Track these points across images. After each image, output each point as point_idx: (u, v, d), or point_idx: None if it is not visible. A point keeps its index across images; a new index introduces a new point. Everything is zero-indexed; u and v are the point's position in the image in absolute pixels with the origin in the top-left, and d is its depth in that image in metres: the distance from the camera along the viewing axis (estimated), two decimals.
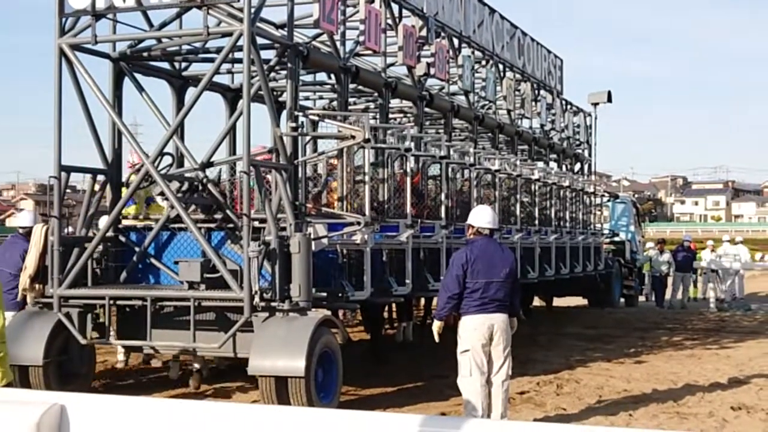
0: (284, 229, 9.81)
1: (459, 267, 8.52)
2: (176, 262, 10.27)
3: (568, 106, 20.60)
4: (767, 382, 11.82)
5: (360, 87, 12.88)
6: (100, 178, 11.10)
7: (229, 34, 9.85)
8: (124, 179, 11.19)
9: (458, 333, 8.64)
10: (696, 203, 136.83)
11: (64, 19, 10.37)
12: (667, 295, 25.19)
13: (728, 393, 11.02)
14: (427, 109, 14.05)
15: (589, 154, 22.78)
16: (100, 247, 10.60)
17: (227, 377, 11.56)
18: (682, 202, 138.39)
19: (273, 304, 9.47)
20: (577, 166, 22.01)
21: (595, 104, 23.55)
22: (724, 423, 9.42)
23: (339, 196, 11.05)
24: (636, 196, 58.57)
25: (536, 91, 18.34)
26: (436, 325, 8.73)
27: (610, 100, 23.89)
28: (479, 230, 8.76)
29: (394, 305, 14.87)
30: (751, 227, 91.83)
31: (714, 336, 17.22)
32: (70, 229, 11.71)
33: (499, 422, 7.99)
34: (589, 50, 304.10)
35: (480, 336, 8.48)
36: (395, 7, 12.71)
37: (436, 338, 8.76)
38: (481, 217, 8.84)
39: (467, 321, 8.54)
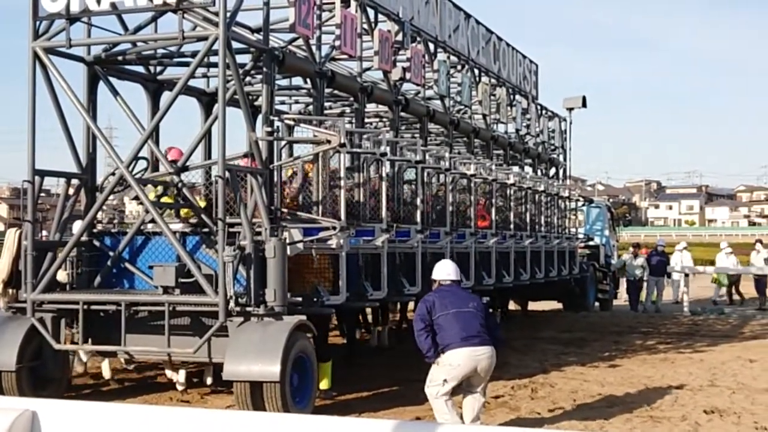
0: (259, 233, 9.79)
1: (426, 305, 8.68)
2: (151, 267, 10.23)
3: (543, 111, 20.68)
4: (740, 385, 11.91)
5: (336, 91, 12.88)
6: (75, 182, 11.04)
7: (205, 38, 9.84)
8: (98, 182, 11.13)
9: (439, 361, 8.58)
10: (670, 208, 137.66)
11: (38, 23, 10.32)
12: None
13: (701, 396, 11.09)
14: (402, 114, 14.06)
15: (564, 159, 22.88)
16: (74, 252, 10.55)
17: (202, 382, 11.52)
18: (657, 207, 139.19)
19: (248, 308, 9.45)
20: (552, 171, 22.10)
21: (570, 109, 23.65)
22: (697, 426, 9.49)
23: (292, 196, 11.05)
24: (611, 200, 58.81)
25: (511, 96, 18.39)
26: (434, 364, 8.70)
27: (585, 105, 24.00)
28: (441, 283, 9.03)
29: (369, 310, 14.87)
30: (725, 231, 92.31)
31: (687, 340, 17.33)
32: (44, 233, 11.65)
33: (474, 426, 8.03)
34: (565, 55, 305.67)
35: (463, 370, 8.50)
36: (371, 12, 12.73)
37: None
38: (443, 269, 9.12)
39: (452, 355, 8.49)
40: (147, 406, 8.97)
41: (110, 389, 11.64)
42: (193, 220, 10.69)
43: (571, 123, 23.27)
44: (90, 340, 10.37)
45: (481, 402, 8.73)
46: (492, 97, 17.22)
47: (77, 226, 10.89)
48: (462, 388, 8.68)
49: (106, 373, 11.83)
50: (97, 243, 10.88)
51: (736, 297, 26.72)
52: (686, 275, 24.80)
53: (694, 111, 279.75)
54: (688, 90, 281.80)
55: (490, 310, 9.95)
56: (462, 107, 16.53)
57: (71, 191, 11.05)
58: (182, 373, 11.11)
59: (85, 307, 10.11)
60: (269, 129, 10.36)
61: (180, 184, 10.53)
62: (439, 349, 8.55)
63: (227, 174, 9.68)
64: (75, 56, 10.89)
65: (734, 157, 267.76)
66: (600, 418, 9.82)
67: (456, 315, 8.56)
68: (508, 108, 17.95)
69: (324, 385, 10.72)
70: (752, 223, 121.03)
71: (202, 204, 10.71)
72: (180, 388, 11.05)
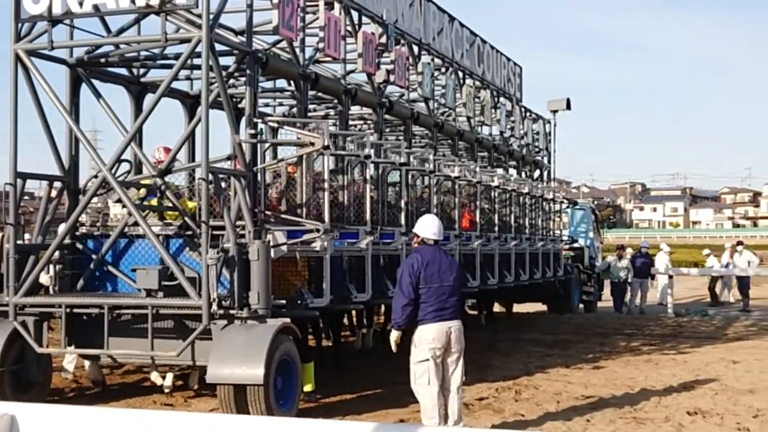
0: (243, 236, 9.77)
1: (411, 274, 8.54)
2: (134, 270, 10.20)
3: (528, 114, 20.71)
4: (723, 387, 11.96)
5: (320, 94, 12.88)
6: (58, 184, 11.00)
7: (188, 41, 9.80)
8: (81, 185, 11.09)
9: (414, 342, 8.63)
10: (654, 210, 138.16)
11: (20, 25, 10.27)
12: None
13: (684, 398, 11.13)
14: (387, 116, 14.07)
15: (549, 161, 22.92)
16: (57, 255, 10.51)
17: (185, 385, 11.51)
18: (641, 209, 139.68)
19: (232, 311, 9.43)
20: (537, 173, 22.14)
21: (554, 111, 23.66)
22: (680, 428, 9.52)
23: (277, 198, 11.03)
24: (595, 202, 58.95)
25: (496, 99, 18.43)
26: (395, 336, 8.69)
27: (569, 107, 24.03)
28: (424, 240, 8.84)
29: (354, 312, 14.86)
30: (709, 233, 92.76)
31: (671, 341, 17.40)
32: (27, 236, 11.59)
33: (458, 429, 8.03)
34: (549, 58, 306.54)
35: (438, 345, 8.51)
36: (355, 14, 12.73)
37: (394, 348, 8.76)
38: (428, 227, 8.89)
39: (425, 330, 8.52)
40: (130, 409, 8.95)
41: (94, 392, 11.58)
42: (176, 223, 10.66)
43: (555, 125, 23.30)
44: (73, 343, 10.35)
45: (460, 402, 8.73)
46: (476, 100, 17.24)
47: (62, 228, 10.85)
48: (441, 387, 8.65)
49: (67, 368, 11.87)
50: (79, 246, 10.84)
51: (730, 298, 26.78)
52: (670, 277, 24.89)
53: (678, 113, 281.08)
54: (672, 92, 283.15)
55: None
56: (446, 110, 16.55)
57: (54, 194, 11.01)
58: (169, 376, 11.11)
59: (68, 310, 10.07)
60: (253, 131, 10.34)
61: (163, 187, 10.50)
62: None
63: (211, 176, 9.66)
64: (57, 58, 10.85)
65: (718, 159, 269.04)
66: (583, 420, 9.84)
67: (438, 290, 8.54)
68: (493, 110, 17.98)
69: (308, 387, 10.70)
70: (736, 225, 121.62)
71: (191, 205, 10.68)
72: (166, 390, 11.04)
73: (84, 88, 11.13)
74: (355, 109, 14.21)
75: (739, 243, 27.89)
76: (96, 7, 9.89)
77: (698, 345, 16.72)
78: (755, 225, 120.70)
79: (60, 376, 11.99)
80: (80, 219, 10.98)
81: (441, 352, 8.54)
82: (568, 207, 25.71)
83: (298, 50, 11.45)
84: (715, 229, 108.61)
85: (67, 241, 10.61)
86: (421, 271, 8.54)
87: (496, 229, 16.97)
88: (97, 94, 11.14)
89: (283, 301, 10.03)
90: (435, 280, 8.55)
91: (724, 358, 14.76)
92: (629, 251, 26.11)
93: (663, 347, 16.45)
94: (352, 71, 13.04)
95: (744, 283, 25.71)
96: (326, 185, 10.74)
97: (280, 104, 15.65)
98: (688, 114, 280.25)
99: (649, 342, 17.29)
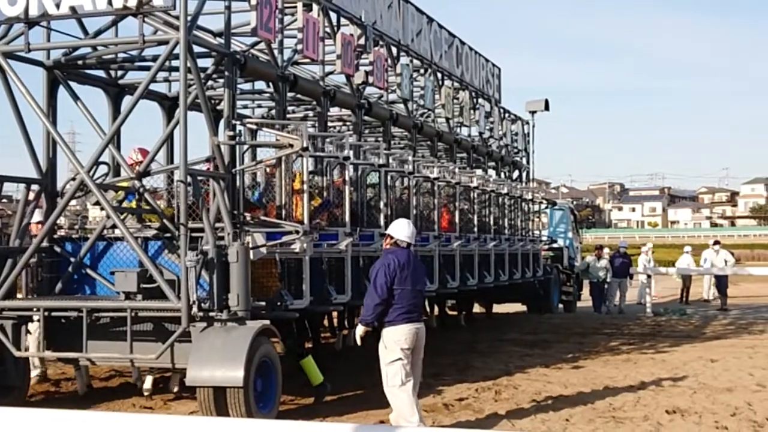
0: (222, 238, 9.75)
1: (387, 274, 8.72)
2: (112, 273, 10.15)
3: (507, 115, 20.77)
4: (701, 385, 12.03)
5: (298, 95, 12.85)
6: (35, 187, 10.93)
7: (166, 42, 9.77)
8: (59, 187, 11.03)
9: (384, 343, 8.81)
10: (633, 210, 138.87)
11: None
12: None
13: (663, 397, 11.19)
14: (365, 118, 14.07)
15: (528, 162, 23.00)
16: (35, 258, 10.45)
17: (165, 388, 11.47)
18: (620, 209, 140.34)
19: (211, 314, 9.41)
20: (516, 174, 22.20)
21: (533, 112, 23.76)
22: (659, 426, 9.57)
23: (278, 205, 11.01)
24: (574, 202, 59.15)
25: (475, 100, 18.47)
26: (361, 330, 8.92)
27: (547, 108, 24.12)
28: (398, 242, 9.00)
29: (334, 313, 14.85)
30: (687, 233, 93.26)
31: (650, 341, 17.48)
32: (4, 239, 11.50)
33: (437, 429, 8.06)
34: (528, 59, 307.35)
35: (409, 345, 8.74)
36: (333, 16, 12.72)
37: (359, 342, 9.01)
38: (403, 230, 9.09)
39: (396, 331, 8.74)
40: (109, 413, 8.92)
41: (73, 395, 11.52)
42: (155, 225, 10.62)
43: (534, 126, 23.40)
44: (51, 347, 10.29)
45: (418, 401, 8.92)
46: (455, 101, 17.28)
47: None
48: None
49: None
50: (58, 249, 10.78)
51: (717, 298, 26.89)
52: (648, 276, 25.01)
53: (656, 114, 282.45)
54: (650, 93, 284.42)
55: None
56: (425, 111, 16.58)
57: (31, 197, 10.94)
58: (148, 379, 11.08)
59: (46, 313, 10.01)
60: (231, 133, 10.31)
61: (142, 189, 10.45)
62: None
63: (189, 178, 9.63)
64: (34, 60, 10.78)
65: (696, 159, 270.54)
66: (563, 419, 9.87)
67: (410, 292, 8.78)
68: (471, 111, 18.01)
69: (316, 381, 10.97)
70: (714, 225, 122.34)
71: (169, 210, 10.64)
72: (146, 393, 11.01)
73: (61, 91, 11.06)
74: (334, 111, 14.21)
75: (716, 242, 28.07)
76: (73, 8, 9.84)
77: (677, 344, 16.81)
78: (733, 224, 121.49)
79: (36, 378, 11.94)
80: (58, 222, 10.92)
81: (409, 353, 8.74)
82: (547, 207, 25.79)
83: (276, 52, 11.43)
84: (694, 228, 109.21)
85: (45, 244, 10.54)
86: (397, 272, 8.69)
87: (476, 229, 17.00)
88: (75, 97, 11.08)
89: (263, 303, 10.03)
90: (408, 283, 8.79)
91: (702, 356, 14.85)
92: (606, 251, 26.22)
93: (642, 346, 16.53)
94: (331, 73, 13.04)
95: (722, 282, 25.86)
96: (305, 187, 10.72)
97: (259, 106, 15.63)
98: (666, 114, 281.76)
99: (628, 341, 17.37)
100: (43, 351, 10.20)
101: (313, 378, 11.02)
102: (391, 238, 9.08)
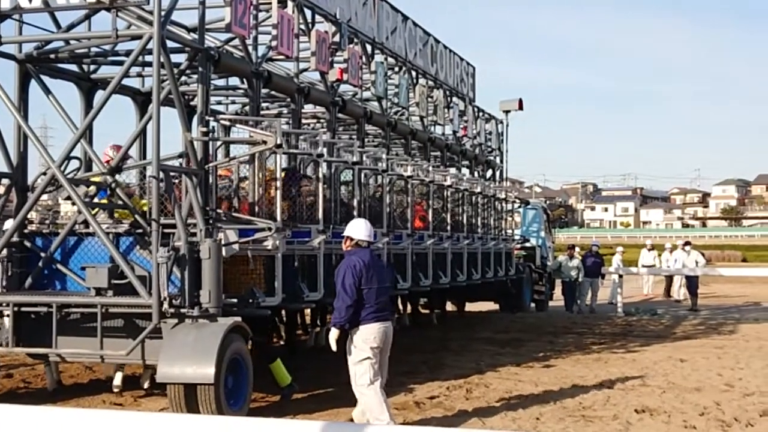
0: (194, 234, 9.72)
1: (354, 275, 8.78)
2: (83, 268, 10.09)
3: (480, 113, 20.82)
4: (670, 385, 12.12)
5: (272, 92, 12.83)
6: (5, 181, 10.84)
7: (139, 37, 9.72)
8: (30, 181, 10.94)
9: (353, 342, 8.85)
10: (606, 209, 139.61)
11: None
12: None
13: (632, 396, 11.26)
14: (340, 115, 14.05)
15: (501, 161, 23.06)
16: (5, 252, 10.36)
17: (135, 384, 11.42)
18: (593, 209, 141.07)
19: (182, 310, 9.38)
20: (489, 173, 22.26)
21: (507, 112, 23.83)
22: (628, 425, 9.63)
23: (250, 202, 10.98)
24: (547, 202, 59.44)
25: (449, 98, 18.50)
26: (335, 334, 8.89)
27: (521, 107, 24.20)
28: (358, 243, 9.07)
29: (307, 310, 14.85)
30: (659, 233, 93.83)
31: (621, 340, 17.59)
32: None
33: (409, 427, 8.06)
34: (502, 58, 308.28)
35: (378, 344, 8.80)
36: (308, 13, 12.70)
37: (333, 347, 8.95)
38: (361, 230, 9.17)
39: (366, 330, 8.79)
40: (79, 409, 8.86)
41: (43, 391, 11.44)
42: (127, 221, 10.56)
43: (507, 125, 23.47)
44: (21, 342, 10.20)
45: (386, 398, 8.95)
46: (429, 99, 17.29)
47: (8, 225, 10.69)
48: None
49: None
50: (28, 243, 10.69)
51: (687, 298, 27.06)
52: (620, 276, 25.17)
53: (629, 114, 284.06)
54: (623, 94, 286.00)
55: None
56: (399, 109, 16.58)
57: (2, 191, 10.85)
58: (118, 375, 11.03)
59: (16, 308, 9.94)
60: (205, 129, 10.27)
61: (114, 185, 10.39)
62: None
63: (162, 174, 9.59)
64: (6, 54, 10.69)
65: (668, 160, 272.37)
66: (533, 418, 9.92)
67: (377, 290, 8.84)
68: (446, 110, 18.05)
69: (284, 383, 10.95)
70: (685, 225, 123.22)
71: (143, 203, 10.58)
72: (116, 390, 10.96)
73: (33, 85, 10.97)
74: (308, 108, 14.18)
75: (687, 243, 28.28)
76: (46, 2, 9.77)
77: (647, 344, 16.92)
78: (704, 225, 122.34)
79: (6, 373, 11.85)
80: (29, 216, 10.84)
81: (378, 351, 8.80)
82: (520, 206, 25.88)
83: (250, 48, 11.40)
84: (665, 229, 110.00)
85: (15, 238, 10.46)
86: (363, 272, 8.76)
87: (449, 228, 17.04)
88: (47, 91, 10.99)
89: (235, 300, 10.00)
90: (374, 282, 8.85)
91: (671, 356, 14.96)
92: (577, 250, 26.35)
93: (612, 346, 16.63)
94: (305, 70, 13.01)
95: (693, 282, 26.05)
96: (278, 184, 10.70)
97: (233, 102, 15.56)
98: (638, 115, 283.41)
99: (598, 341, 17.47)
100: (13, 347, 10.12)
101: (281, 379, 10.99)
102: (351, 239, 9.12)
